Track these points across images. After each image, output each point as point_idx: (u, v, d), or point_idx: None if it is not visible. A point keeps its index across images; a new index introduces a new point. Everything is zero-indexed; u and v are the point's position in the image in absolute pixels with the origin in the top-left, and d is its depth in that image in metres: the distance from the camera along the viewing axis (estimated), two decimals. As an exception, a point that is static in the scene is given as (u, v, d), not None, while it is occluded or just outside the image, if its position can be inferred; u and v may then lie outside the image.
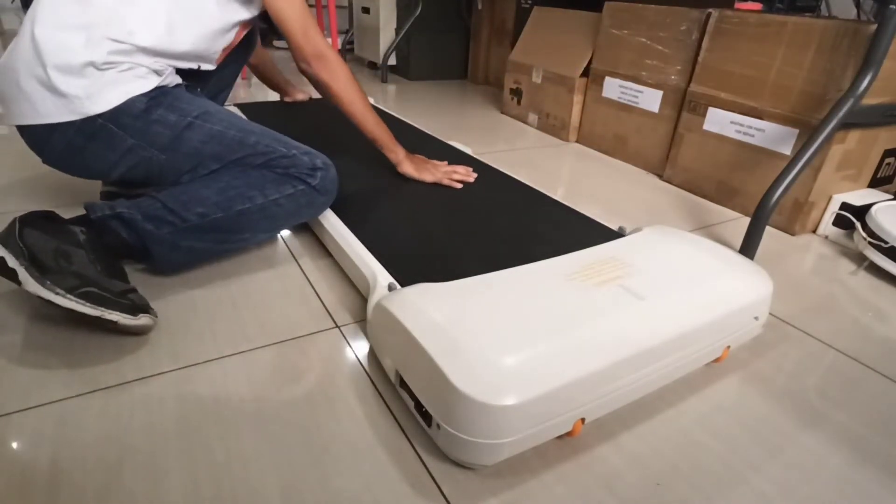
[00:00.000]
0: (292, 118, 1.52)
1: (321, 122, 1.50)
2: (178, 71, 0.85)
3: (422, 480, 0.54)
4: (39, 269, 0.64)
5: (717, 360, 0.70)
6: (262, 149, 0.83)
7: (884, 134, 1.15)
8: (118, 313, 0.65)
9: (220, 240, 0.82)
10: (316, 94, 1.12)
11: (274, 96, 1.71)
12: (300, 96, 1.66)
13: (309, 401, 0.62)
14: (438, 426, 0.53)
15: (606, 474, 0.56)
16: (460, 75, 2.73)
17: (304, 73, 0.95)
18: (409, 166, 1.10)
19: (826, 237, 1.15)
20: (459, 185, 1.10)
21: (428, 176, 1.10)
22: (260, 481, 0.52)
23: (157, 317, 0.71)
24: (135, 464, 0.53)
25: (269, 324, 0.75)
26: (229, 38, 0.91)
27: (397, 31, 2.55)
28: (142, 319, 0.68)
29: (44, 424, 0.57)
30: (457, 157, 1.30)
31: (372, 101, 1.81)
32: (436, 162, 1.16)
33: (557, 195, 1.10)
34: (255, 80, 2.39)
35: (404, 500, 0.51)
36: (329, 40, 0.97)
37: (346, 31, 3.17)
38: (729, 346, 0.69)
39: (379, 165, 1.18)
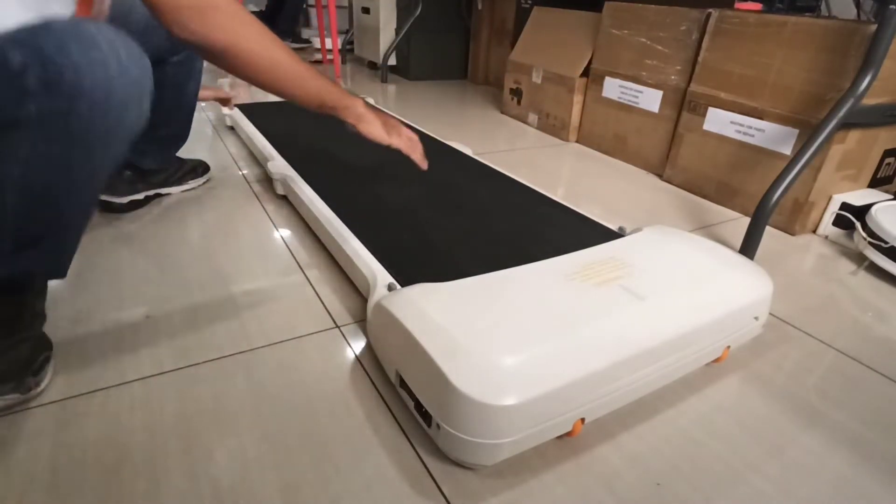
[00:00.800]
0: (293, 118, 1.52)
1: (321, 121, 1.50)
2: None
3: (422, 480, 0.54)
4: None
5: (717, 360, 0.70)
6: None
7: (884, 134, 1.15)
8: (12, 396, 0.57)
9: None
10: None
11: (275, 96, 1.71)
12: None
13: (309, 401, 0.62)
14: (438, 426, 0.53)
15: (606, 474, 0.56)
16: (460, 75, 2.73)
17: (184, 42, 0.59)
18: (372, 126, 0.80)
19: (826, 237, 1.15)
20: (423, 165, 0.89)
21: (396, 139, 0.84)
22: (260, 481, 0.52)
23: (47, 366, 0.62)
24: (135, 464, 0.53)
25: (269, 324, 0.75)
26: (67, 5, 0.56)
27: (397, 31, 2.55)
28: (34, 390, 0.59)
29: (44, 424, 0.57)
30: (457, 158, 1.31)
31: (372, 101, 1.82)
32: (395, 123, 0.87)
33: (557, 195, 1.10)
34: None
35: (404, 500, 0.51)
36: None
37: (346, 31, 3.17)
38: (729, 347, 0.69)
39: (379, 165, 1.19)
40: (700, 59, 1.30)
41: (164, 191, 1.12)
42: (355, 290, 0.84)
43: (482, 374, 0.51)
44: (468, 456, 0.53)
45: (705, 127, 1.30)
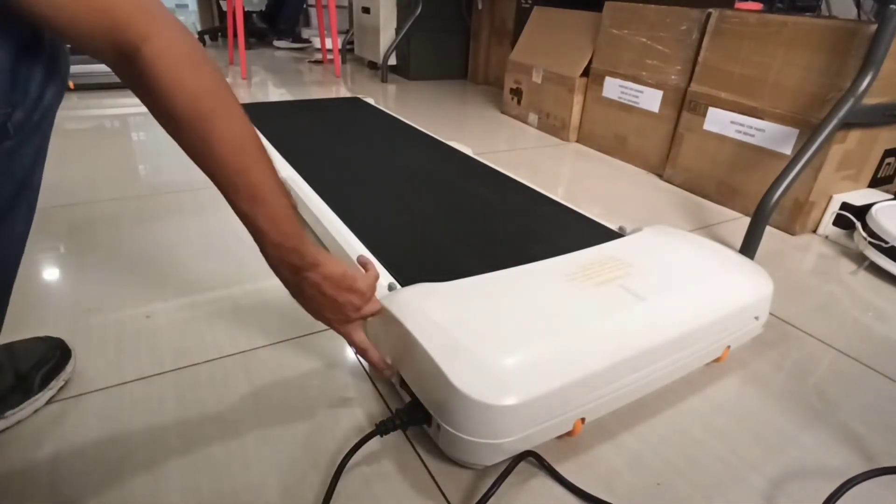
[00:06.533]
0: (293, 118, 1.52)
1: (321, 121, 1.50)
2: None
3: (422, 480, 0.54)
4: None
5: (717, 360, 0.70)
6: None
7: (884, 134, 1.15)
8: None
9: None
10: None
11: (276, 96, 1.71)
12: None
13: (309, 401, 0.62)
14: (438, 426, 0.53)
15: (606, 474, 0.56)
16: (460, 75, 2.73)
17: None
18: (319, 286, 0.56)
19: (826, 237, 1.15)
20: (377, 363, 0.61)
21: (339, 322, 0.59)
22: (260, 481, 0.52)
23: None
24: (135, 464, 0.53)
25: (269, 324, 0.75)
26: None
27: (397, 31, 2.55)
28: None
29: (44, 424, 0.57)
30: (457, 158, 1.31)
31: (371, 101, 1.82)
32: (361, 289, 0.58)
33: (557, 195, 1.10)
34: (256, 79, 2.39)
35: (404, 500, 0.51)
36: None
37: (346, 31, 3.17)
38: (729, 346, 0.69)
39: (379, 165, 1.19)
40: (700, 58, 1.30)
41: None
42: (355, 290, 0.84)
43: (482, 374, 0.51)
44: (468, 456, 0.53)
45: (705, 127, 1.30)
